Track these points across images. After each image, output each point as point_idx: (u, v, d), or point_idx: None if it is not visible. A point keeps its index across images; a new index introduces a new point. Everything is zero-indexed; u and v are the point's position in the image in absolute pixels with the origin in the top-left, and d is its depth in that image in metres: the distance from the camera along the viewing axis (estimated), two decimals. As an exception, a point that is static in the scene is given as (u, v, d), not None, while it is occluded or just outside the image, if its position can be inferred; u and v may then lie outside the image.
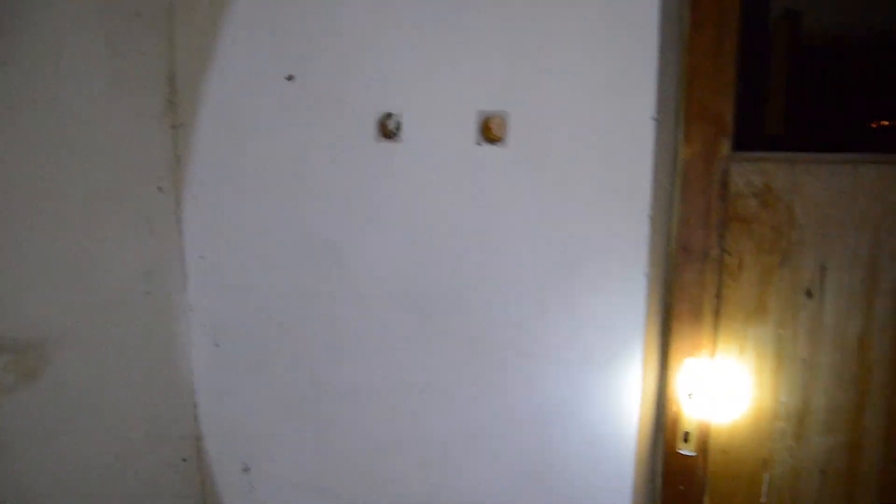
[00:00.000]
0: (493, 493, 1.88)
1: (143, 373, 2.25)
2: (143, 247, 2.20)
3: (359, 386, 2.01)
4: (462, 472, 1.90)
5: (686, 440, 1.81)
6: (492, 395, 1.82)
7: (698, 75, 1.66)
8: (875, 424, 1.64)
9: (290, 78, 1.96)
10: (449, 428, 1.90)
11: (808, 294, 1.65)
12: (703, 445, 1.80)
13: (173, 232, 2.28)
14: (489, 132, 1.72)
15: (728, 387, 1.76)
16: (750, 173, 1.65)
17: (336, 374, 2.06)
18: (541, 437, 1.79)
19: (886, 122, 2.21)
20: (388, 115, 1.85)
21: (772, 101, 2.17)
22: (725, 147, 1.66)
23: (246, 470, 2.35)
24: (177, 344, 2.34)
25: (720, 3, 1.62)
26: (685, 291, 1.75)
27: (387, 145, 1.86)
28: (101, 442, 2.12)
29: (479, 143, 1.73)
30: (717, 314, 1.73)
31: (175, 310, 2.32)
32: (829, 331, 1.64)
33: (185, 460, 2.43)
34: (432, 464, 1.94)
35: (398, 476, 2.01)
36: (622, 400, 1.68)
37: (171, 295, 2.30)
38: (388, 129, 1.85)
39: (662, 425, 1.85)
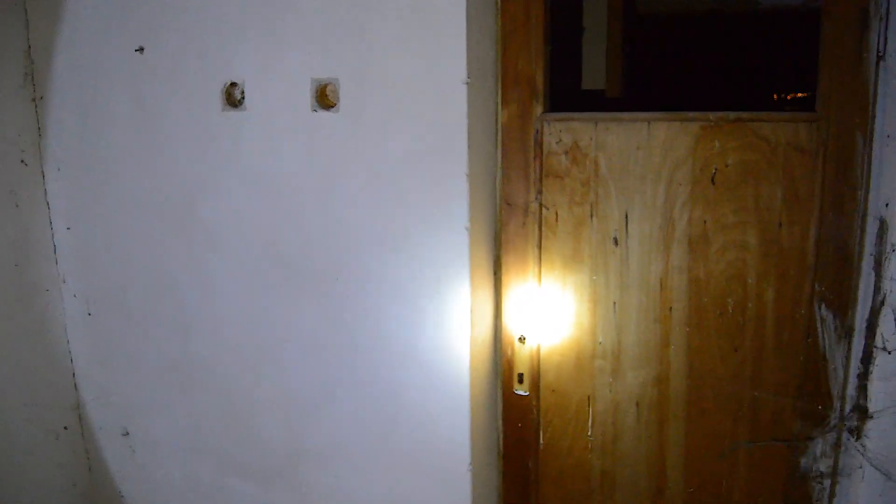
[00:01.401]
0: (352, 439, 2.00)
1: (17, 343, 2.30)
2: (9, 219, 2.24)
3: (223, 342, 2.11)
4: (323, 419, 2.02)
5: (521, 381, 1.96)
6: (344, 342, 1.94)
7: (510, 42, 1.79)
8: (677, 358, 1.82)
9: (139, 50, 2.03)
10: (310, 377, 2.01)
11: (615, 241, 1.81)
12: (535, 385, 1.96)
13: (39, 204, 2.32)
14: (324, 98, 1.83)
15: (553, 330, 1.92)
16: (560, 132, 1.80)
17: (204, 333, 2.15)
18: (389, 383, 1.92)
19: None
20: (233, 85, 1.93)
21: (610, 65, 2.33)
22: (539, 108, 1.80)
23: (125, 434, 2.43)
24: (50, 314, 2.40)
25: (527, -25, 1.75)
26: (511, 243, 1.89)
27: (233, 113, 1.95)
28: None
29: (315, 110, 1.83)
30: (539, 263, 1.88)
31: (46, 281, 2.37)
32: (635, 275, 1.81)
33: (66, 428, 2.49)
34: (295, 412, 2.06)
35: (265, 428, 2.12)
36: (456, 345, 1.82)
37: (41, 266, 2.35)
38: (233, 98, 1.94)
39: (500, 368, 2.00)
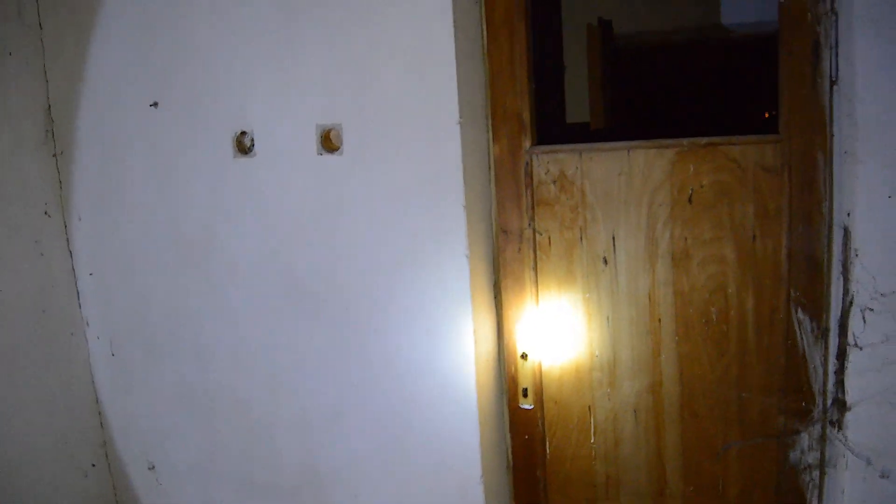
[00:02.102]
0: (367, 456, 2.13)
1: (45, 385, 2.43)
2: (35, 268, 2.38)
3: (242, 368, 2.24)
4: (338, 438, 2.15)
5: (525, 395, 2.10)
6: (356, 365, 2.07)
7: (498, 82, 1.95)
8: (669, 366, 1.95)
9: (154, 105, 2.18)
10: (325, 399, 2.14)
11: (605, 261, 1.95)
12: (539, 398, 2.09)
13: (63, 252, 2.47)
14: (328, 142, 1.98)
15: (553, 346, 2.06)
16: (548, 163, 1.95)
17: (224, 361, 2.28)
18: (400, 401, 2.05)
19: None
20: (243, 133, 2.09)
21: (592, 98, 2.49)
22: (527, 142, 1.96)
23: (151, 468, 2.55)
24: (76, 356, 2.53)
25: (509, 20, 1.91)
26: (508, 267, 2.04)
27: (244, 160, 2.10)
28: (9, 453, 2.28)
29: (320, 153, 1.99)
30: (536, 284, 2.02)
31: (71, 325, 2.51)
32: (624, 290, 1.95)
33: (94, 465, 2.61)
34: (311, 432, 2.18)
35: (280, 449, 2.25)
36: (462, 363, 1.96)
37: (65, 311, 2.49)
38: (243, 145, 2.09)
39: (505, 385, 2.13)
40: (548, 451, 2.12)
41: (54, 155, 2.41)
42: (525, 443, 2.14)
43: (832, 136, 1.69)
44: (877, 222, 1.60)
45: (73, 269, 2.48)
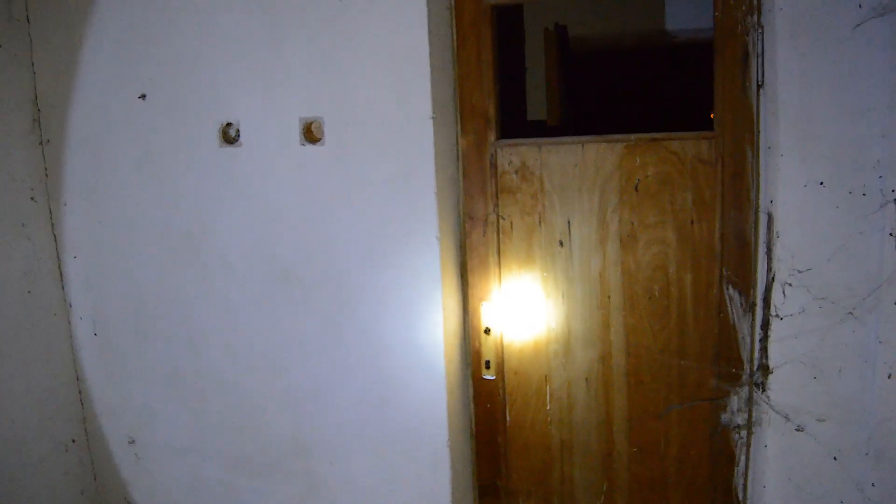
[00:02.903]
0: (347, 427, 2.30)
1: (28, 363, 2.55)
2: (21, 251, 2.50)
3: (232, 349, 2.39)
4: (321, 411, 2.32)
5: (488, 367, 2.31)
6: (337, 341, 2.25)
7: (466, 82, 2.15)
8: (617, 337, 2.18)
9: (142, 97, 2.32)
10: (309, 375, 2.31)
11: (561, 244, 2.17)
12: (500, 370, 2.30)
13: (48, 236, 2.58)
14: (311, 134, 2.16)
15: (513, 321, 2.27)
16: (511, 155, 2.16)
17: (207, 344, 2.43)
18: (377, 375, 2.23)
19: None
20: (229, 124, 2.25)
21: (549, 97, 2.71)
22: (492, 136, 2.17)
23: (131, 442, 2.68)
24: (58, 336, 2.64)
25: (477, 26, 2.12)
26: (474, 250, 2.24)
27: (229, 149, 2.26)
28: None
29: (303, 144, 2.16)
30: (499, 266, 2.23)
31: (54, 306, 2.62)
32: (578, 270, 2.18)
33: (74, 441, 2.73)
34: (297, 407, 2.35)
35: (268, 424, 2.41)
36: (432, 338, 2.16)
37: (50, 292, 2.60)
38: (229, 136, 2.25)
39: (469, 358, 2.34)
40: (508, 418, 2.33)
41: (40, 143, 2.53)
42: (487, 411, 2.35)
43: (759, 132, 1.94)
44: (795, 208, 1.85)
45: (58, 253, 2.60)
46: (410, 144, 2.05)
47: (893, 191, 1.73)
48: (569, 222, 2.15)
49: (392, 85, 2.04)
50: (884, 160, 1.75)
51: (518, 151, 2.15)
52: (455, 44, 2.15)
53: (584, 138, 2.10)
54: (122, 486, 2.73)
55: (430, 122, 2.02)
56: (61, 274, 2.62)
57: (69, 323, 2.66)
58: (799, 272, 1.86)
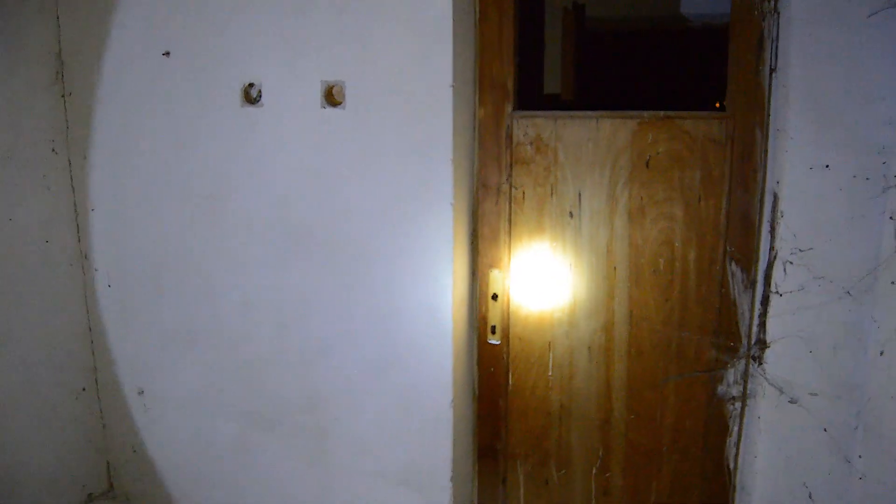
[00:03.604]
0: (356, 384, 2.38)
1: (44, 312, 2.61)
2: (41, 201, 2.56)
3: (246, 305, 2.46)
4: (331, 367, 2.39)
5: (493, 332, 2.38)
6: (350, 300, 2.32)
7: (486, 54, 2.21)
8: (620, 308, 2.26)
9: (166, 54, 2.37)
10: (322, 332, 2.38)
11: (571, 215, 2.24)
12: (506, 335, 2.38)
13: (66, 187, 2.63)
14: (332, 97, 2.21)
15: (521, 289, 2.34)
16: (527, 127, 2.22)
17: (223, 300, 2.49)
18: (387, 334, 2.30)
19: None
20: (251, 85, 2.30)
21: (564, 73, 2.76)
22: (509, 108, 2.22)
23: (141, 393, 2.75)
24: (73, 286, 2.71)
25: (499, 0, 2.17)
26: (486, 218, 2.31)
27: (250, 109, 2.31)
28: (5, 371, 2.46)
29: (324, 107, 2.21)
30: (510, 234, 2.30)
31: (71, 256, 2.68)
32: (586, 241, 2.25)
33: (84, 389, 2.80)
34: (308, 364, 2.42)
35: (278, 380, 2.48)
36: (442, 302, 2.23)
37: (67, 243, 2.66)
38: (250, 96, 2.30)
39: (476, 322, 2.41)
40: (510, 382, 2.41)
41: (63, 96, 2.57)
42: (490, 375, 2.43)
43: (769, 115, 2.00)
44: (800, 189, 1.92)
45: (76, 205, 2.65)
46: (429, 112, 2.11)
47: (896, 176, 1.81)
48: (580, 195, 2.21)
49: (414, 53, 2.09)
50: (888, 146, 1.82)
51: (534, 123, 2.21)
52: (477, 16, 2.20)
53: (598, 113, 2.16)
54: (130, 435, 2.81)
55: (450, 91, 2.07)
56: (78, 226, 2.68)
57: (84, 273, 2.71)
58: (800, 251, 1.94)
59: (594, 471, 2.38)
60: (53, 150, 2.56)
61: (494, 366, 2.41)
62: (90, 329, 2.78)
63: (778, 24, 1.94)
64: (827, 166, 1.88)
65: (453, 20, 2.04)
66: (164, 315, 2.59)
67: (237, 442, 2.59)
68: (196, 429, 2.66)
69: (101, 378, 2.80)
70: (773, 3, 1.94)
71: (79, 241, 2.69)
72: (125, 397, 2.78)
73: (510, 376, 2.41)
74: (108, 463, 2.88)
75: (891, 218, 1.83)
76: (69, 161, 2.61)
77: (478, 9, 2.19)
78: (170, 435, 2.72)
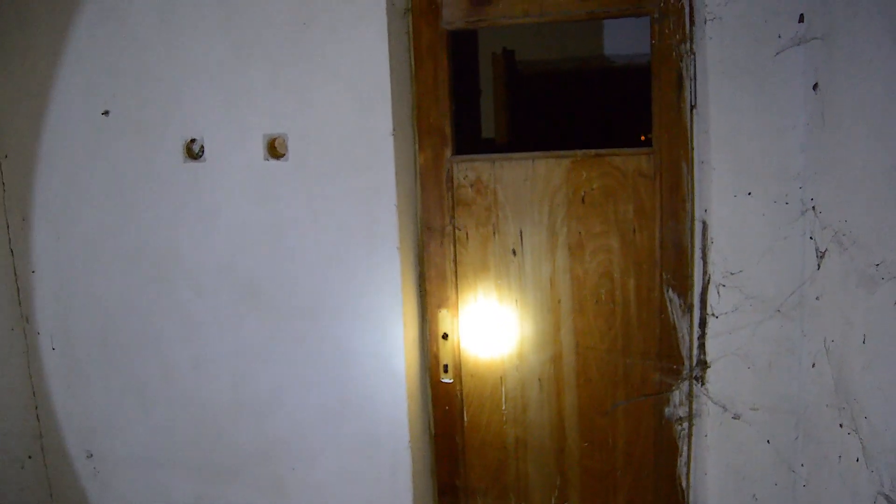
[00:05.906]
0: (312, 430, 2.37)
1: (-16, 380, 2.54)
2: (-22, 266, 2.50)
3: (196, 360, 2.44)
4: (287, 415, 2.38)
5: (446, 371, 2.43)
6: (300, 350, 2.33)
7: (424, 101, 2.29)
8: (567, 339, 2.33)
9: (105, 113, 2.38)
10: (274, 381, 2.38)
11: (514, 252, 2.32)
12: (458, 373, 2.43)
13: (5, 250, 2.59)
14: (274, 150, 2.25)
15: (470, 327, 2.40)
16: (466, 170, 2.30)
17: (175, 354, 2.46)
18: (341, 379, 2.32)
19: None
20: (193, 140, 2.32)
21: (497, 117, 2.87)
22: (448, 152, 2.31)
23: (90, 456, 2.69)
24: (14, 351, 2.64)
25: (434, 50, 2.26)
26: (432, 259, 2.37)
27: (193, 164, 2.33)
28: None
29: (267, 159, 2.25)
30: (456, 274, 2.37)
31: (11, 320, 2.62)
32: (530, 277, 2.32)
33: (30, 457, 2.72)
34: (261, 415, 2.41)
35: (234, 431, 2.46)
36: (393, 345, 2.26)
37: (5, 307, 2.61)
38: (192, 152, 2.33)
39: (428, 362, 2.45)
40: (465, 419, 2.46)
41: (-2, 159, 2.54)
42: (446, 413, 2.46)
43: (693, 149, 2.13)
44: (726, 216, 2.04)
45: (15, 268, 2.60)
46: (372, 159, 2.17)
47: (812, 199, 1.94)
48: (521, 232, 2.29)
49: (354, 103, 2.16)
50: (803, 172, 1.96)
51: (473, 166, 2.29)
52: (413, 65, 2.28)
53: (533, 154, 2.25)
54: (80, 501, 2.73)
55: (391, 138, 2.14)
56: (18, 288, 2.63)
57: (26, 337, 2.66)
58: (731, 274, 2.05)
59: (553, 500, 2.42)
60: (-10, 213, 2.52)
61: (449, 404, 2.45)
62: (34, 394, 2.71)
63: (695, 64, 2.08)
64: (749, 193, 2.00)
65: (390, 70, 2.12)
66: (112, 376, 2.55)
67: (195, 498, 2.55)
68: (151, 489, 2.61)
69: (47, 444, 2.73)
70: (689, 45, 2.08)
71: (20, 303, 2.63)
72: (73, 462, 2.71)
73: (465, 413, 2.45)
74: (57, 533, 2.79)
75: (811, 238, 1.95)
76: (7, 223, 2.57)
77: (413, 58, 2.27)
78: (122, 497, 2.66)
